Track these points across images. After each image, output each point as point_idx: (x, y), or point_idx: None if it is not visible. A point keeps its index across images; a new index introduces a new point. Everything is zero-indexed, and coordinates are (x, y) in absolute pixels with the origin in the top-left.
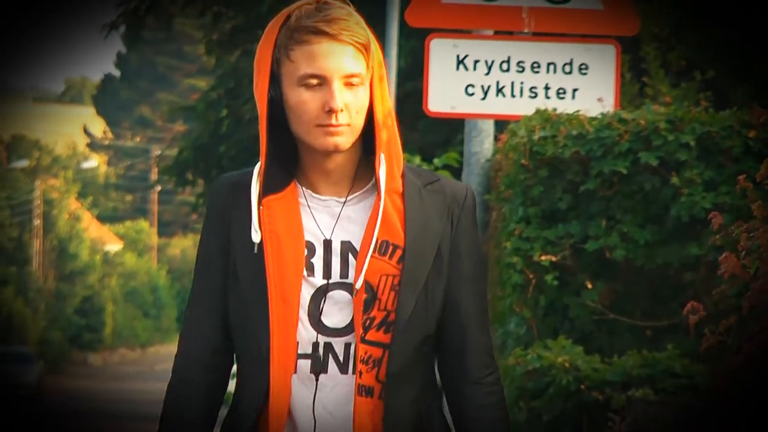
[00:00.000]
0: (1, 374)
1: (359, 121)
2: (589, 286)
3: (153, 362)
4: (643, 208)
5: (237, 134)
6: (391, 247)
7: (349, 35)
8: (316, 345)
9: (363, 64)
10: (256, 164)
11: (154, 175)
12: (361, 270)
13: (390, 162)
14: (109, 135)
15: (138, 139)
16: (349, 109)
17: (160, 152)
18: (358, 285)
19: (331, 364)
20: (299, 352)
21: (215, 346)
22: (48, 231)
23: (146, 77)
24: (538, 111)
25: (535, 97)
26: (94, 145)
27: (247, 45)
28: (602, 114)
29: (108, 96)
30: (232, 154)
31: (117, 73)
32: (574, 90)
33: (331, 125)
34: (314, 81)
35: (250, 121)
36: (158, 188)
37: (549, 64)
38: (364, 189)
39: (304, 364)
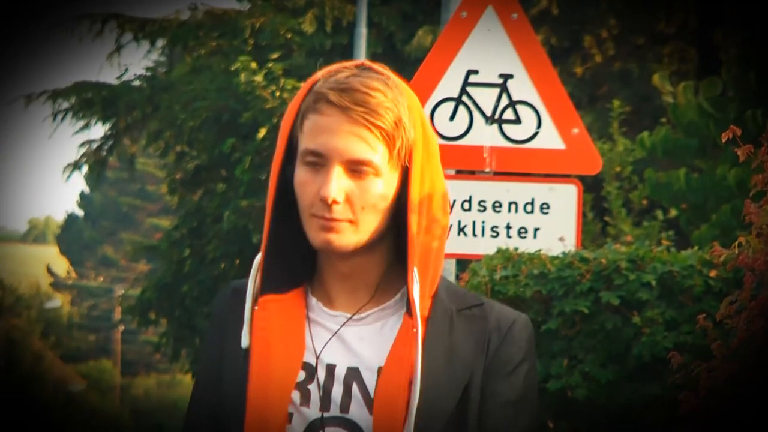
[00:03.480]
0: None
1: (369, 220)
2: (551, 425)
3: None
4: (604, 347)
5: (200, 273)
6: None
7: (364, 113)
8: None
9: (381, 154)
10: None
11: (117, 315)
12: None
13: (424, 279)
14: (73, 275)
15: (101, 278)
16: (352, 203)
17: (123, 292)
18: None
19: None
20: None
21: None
22: (10, 371)
23: (109, 217)
24: (499, 250)
25: (497, 236)
26: (57, 285)
27: (209, 184)
28: (564, 253)
29: (71, 236)
30: (195, 294)
31: (80, 212)
32: (536, 229)
33: (324, 218)
34: (313, 159)
35: (213, 260)
36: (121, 328)
37: (510, 204)
38: (385, 305)
39: None
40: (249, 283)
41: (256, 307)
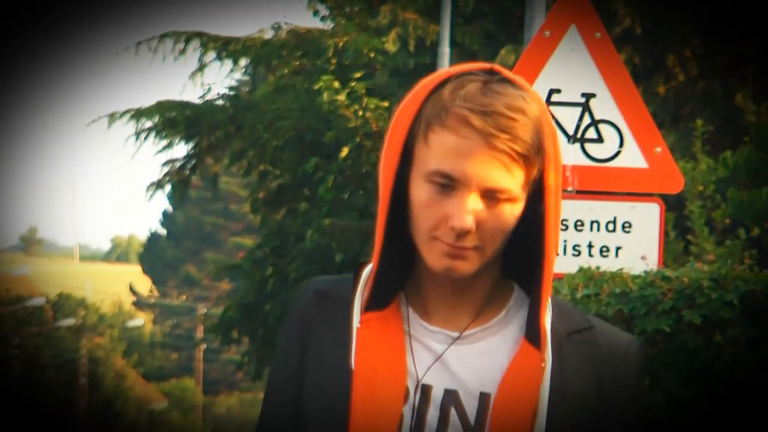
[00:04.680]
0: None
1: (495, 245)
2: None
3: None
4: (686, 366)
5: (283, 293)
6: None
7: (508, 140)
8: None
9: (519, 179)
10: (364, 269)
11: (199, 334)
12: None
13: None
14: (155, 293)
15: (184, 297)
16: (483, 230)
17: (205, 311)
18: None
19: None
20: None
21: None
22: (94, 390)
23: (192, 236)
24: (581, 269)
25: (579, 255)
26: (139, 304)
27: (292, 203)
28: (645, 272)
29: (154, 255)
30: (278, 313)
31: (163, 231)
32: (618, 248)
33: (451, 245)
34: (444, 181)
35: (295, 279)
36: (203, 346)
37: (592, 222)
38: (488, 324)
39: None
40: (356, 299)
41: (359, 325)
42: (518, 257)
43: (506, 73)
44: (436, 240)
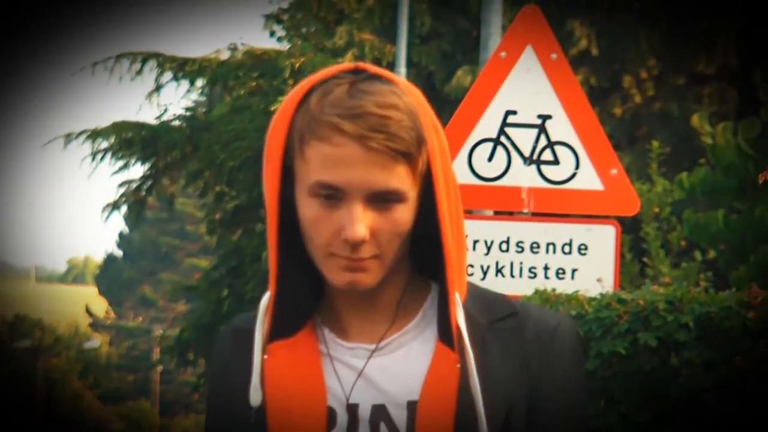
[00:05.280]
0: None
1: (393, 250)
2: None
3: None
4: (642, 388)
5: (239, 313)
6: None
7: (384, 140)
8: None
9: (405, 177)
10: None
11: (156, 355)
12: None
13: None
14: (111, 315)
15: (140, 319)
16: (379, 237)
17: (161, 332)
18: None
19: None
20: None
21: None
22: (50, 411)
23: (148, 257)
24: (537, 291)
25: (535, 277)
26: (96, 325)
27: (248, 224)
28: (601, 294)
29: (110, 276)
30: None
31: (119, 252)
32: (574, 270)
33: (349, 258)
34: (328, 192)
35: (251, 300)
36: (160, 368)
37: (548, 244)
38: (405, 328)
39: None
40: (257, 330)
41: (265, 356)
42: (427, 255)
43: (374, 69)
44: (332, 256)
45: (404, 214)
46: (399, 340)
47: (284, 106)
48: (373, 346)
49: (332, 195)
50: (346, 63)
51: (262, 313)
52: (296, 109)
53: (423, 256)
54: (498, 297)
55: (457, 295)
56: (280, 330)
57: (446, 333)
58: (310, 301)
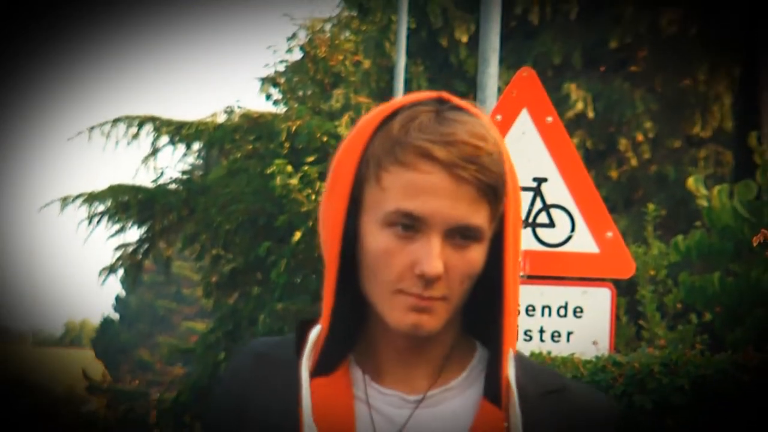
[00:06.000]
0: None
1: (461, 293)
2: None
3: None
4: None
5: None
6: None
7: (475, 171)
8: None
9: (485, 215)
10: (312, 329)
11: (152, 419)
12: None
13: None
14: (108, 378)
15: (137, 382)
16: (451, 277)
17: (158, 395)
18: None
19: None
20: None
21: None
22: None
23: (145, 320)
24: (532, 354)
25: (530, 340)
26: (93, 389)
27: (245, 287)
28: (597, 357)
29: (107, 339)
30: None
31: (116, 316)
32: (569, 333)
33: (418, 296)
34: (407, 222)
35: None
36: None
37: (544, 307)
38: (449, 384)
39: None
40: (303, 365)
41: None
42: (479, 312)
43: (457, 100)
44: (400, 293)
45: (479, 255)
46: (442, 395)
47: (358, 131)
48: (411, 397)
49: (410, 226)
50: (426, 92)
51: (310, 347)
52: (372, 134)
53: (472, 312)
54: (544, 368)
55: (511, 352)
56: (321, 367)
57: (493, 392)
58: (349, 339)
